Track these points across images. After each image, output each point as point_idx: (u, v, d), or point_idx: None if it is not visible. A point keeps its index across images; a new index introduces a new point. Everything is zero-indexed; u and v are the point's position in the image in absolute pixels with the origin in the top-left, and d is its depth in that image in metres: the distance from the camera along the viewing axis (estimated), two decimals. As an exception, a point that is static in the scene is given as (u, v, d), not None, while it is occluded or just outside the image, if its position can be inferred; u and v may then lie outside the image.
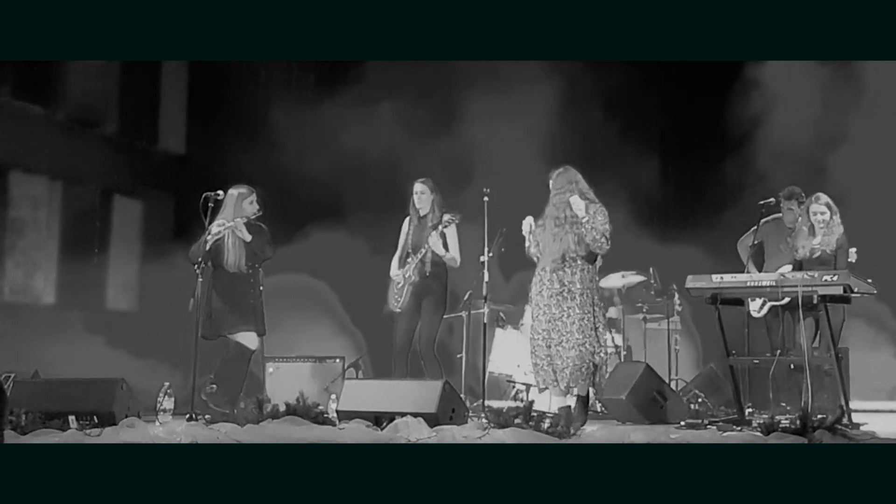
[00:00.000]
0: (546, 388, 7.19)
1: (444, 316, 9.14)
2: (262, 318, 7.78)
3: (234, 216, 7.63)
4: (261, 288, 7.79)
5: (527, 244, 7.28)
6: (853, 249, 7.54)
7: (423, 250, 7.95)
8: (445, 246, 7.95)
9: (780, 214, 8.21)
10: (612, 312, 9.69)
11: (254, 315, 7.70)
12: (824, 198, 7.51)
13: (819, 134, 10.29)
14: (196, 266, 7.34)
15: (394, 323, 8.19)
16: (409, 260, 8.02)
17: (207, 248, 7.50)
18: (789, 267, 7.66)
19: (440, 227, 7.93)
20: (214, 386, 7.23)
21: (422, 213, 8.10)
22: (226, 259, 7.60)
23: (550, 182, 7.33)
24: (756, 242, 8.08)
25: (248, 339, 7.73)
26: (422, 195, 8.08)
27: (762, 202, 8.13)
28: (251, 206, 7.71)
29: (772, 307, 7.90)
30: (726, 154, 11.12)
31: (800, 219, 7.81)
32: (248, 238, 7.61)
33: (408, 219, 8.20)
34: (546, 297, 7.09)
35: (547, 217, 7.23)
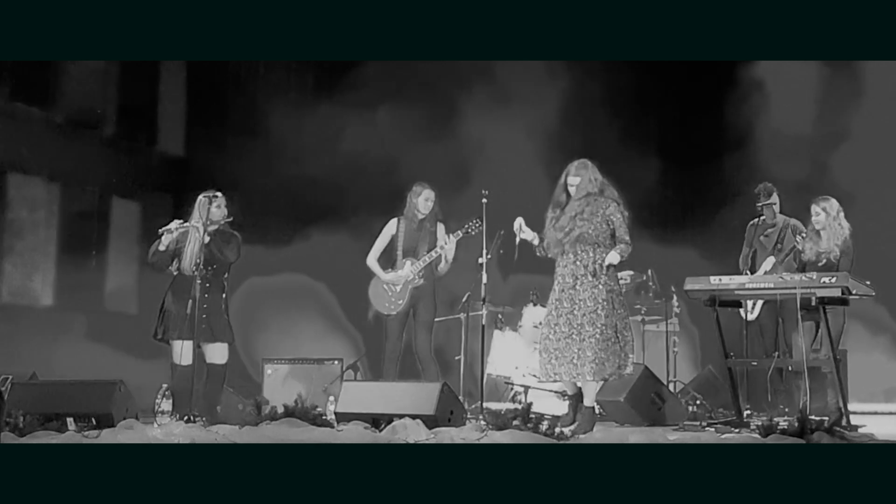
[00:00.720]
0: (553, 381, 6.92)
1: (444, 318, 9.20)
2: (221, 326, 7.46)
3: (199, 220, 7.43)
4: (223, 295, 7.54)
5: (533, 240, 6.95)
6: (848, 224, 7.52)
7: (435, 254, 8.02)
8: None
9: (763, 217, 8.26)
10: None
11: (204, 323, 7.35)
12: (823, 202, 7.49)
13: (819, 135, 10.28)
14: (195, 269, 7.29)
15: (384, 326, 8.21)
16: (409, 263, 8.04)
17: (163, 248, 7.36)
18: (772, 259, 7.69)
19: (460, 233, 8.01)
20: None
21: (420, 216, 8.13)
22: (183, 260, 7.40)
23: (570, 171, 7.02)
24: (751, 253, 8.13)
25: (218, 353, 7.49)
26: (429, 202, 8.11)
27: (760, 205, 8.16)
28: (219, 211, 7.51)
29: (764, 310, 7.92)
30: (726, 155, 11.09)
31: (791, 221, 7.85)
32: (206, 240, 7.35)
33: (397, 220, 8.20)
34: (563, 286, 6.77)
35: (564, 211, 6.88)
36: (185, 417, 6.80)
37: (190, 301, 7.12)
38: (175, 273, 7.46)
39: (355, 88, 11.05)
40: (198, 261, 7.30)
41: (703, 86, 11.21)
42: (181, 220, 7.41)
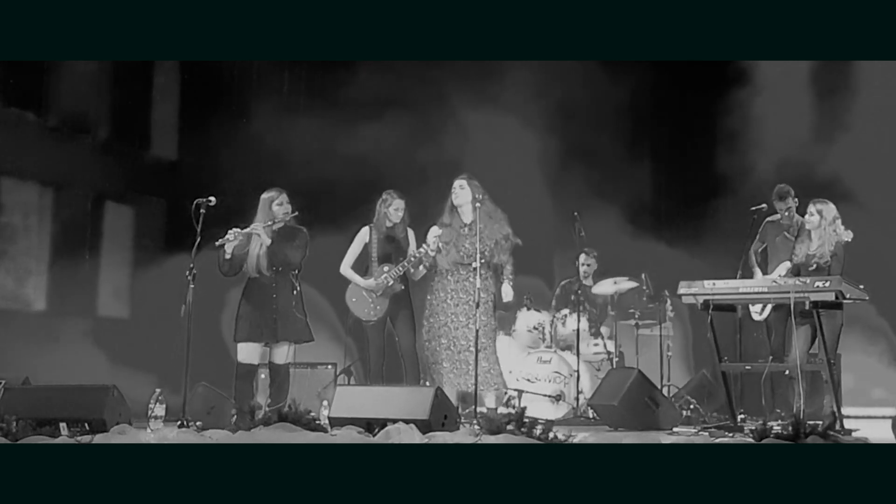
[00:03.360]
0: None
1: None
2: (291, 325, 7.61)
3: (263, 221, 7.61)
4: (295, 291, 7.65)
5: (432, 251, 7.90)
6: (849, 231, 7.51)
7: (414, 258, 8.03)
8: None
9: (778, 216, 8.25)
10: (604, 331, 9.71)
11: (274, 324, 7.56)
12: (820, 204, 7.48)
13: (815, 135, 10.29)
14: (258, 273, 7.40)
15: (364, 332, 8.26)
16: (387, 269, 8.06)
17: (228, 256, 7.51)
18: (787, 264, 7.69)
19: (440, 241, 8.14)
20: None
21: (390, 224, 8.19)
22: (247, 264, 7.60)
23: (463, 188, 8.09)
24: (762, 248, 8.13)
25: (279, 353, 7.67)
26: (398, 211, 8.18)
27: (754, 208, 8.16)
28: (280, 209, 7.64)
29: (773, 310, 7.92)
30: (721, 158, 11.08)
31: (800, 221, 7.83)
32: (268, 242, 7.54)
33: (368, 228, 8.25)
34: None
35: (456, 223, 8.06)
36: (179, 423, 6.79)
37: (183, 306, 7.14)
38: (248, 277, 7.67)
39: (351, 90, 11.04)
40: (261, 264, 7.53)
41: (699, 86, 11.21)
42: (239, 228, 7.52)
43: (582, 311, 9.23)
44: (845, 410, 7.09)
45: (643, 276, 9.61)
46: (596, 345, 9.53)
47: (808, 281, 6.75)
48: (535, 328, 9.50)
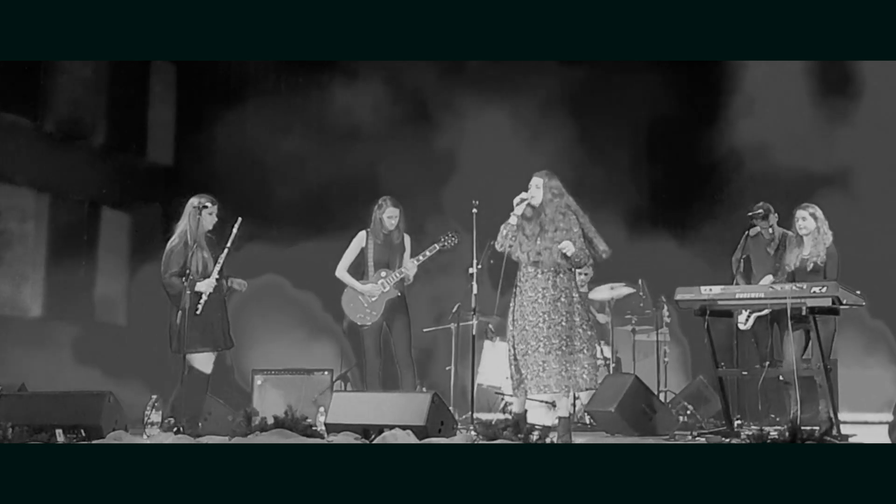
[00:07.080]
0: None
1: (434, 328, 9.19)
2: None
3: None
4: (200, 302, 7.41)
5: (505, 238, 7.00)
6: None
7: (413, 264, 8.10)
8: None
9: (758, 229, 8.27)
10: (601, 318, 9.70)
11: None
12: (811, 207, 7.53)
13: (815, 138, 10.29)
14: (184, 279, 7.30)
15: (360, 337, 8.26)
16: (384, 275, 8.07)
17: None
18: (770, 277, 7.69)
19: (437, 247, 8.19)
20: (171, 419, 6.86)
21: (385, 231, 8.19)
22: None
23: (541, 182, 7.04)
24: (743, 257, 8.12)
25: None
26: (392, 219, 8.17)
27: (751, 212, 8.16)
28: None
29: (758, 319, 7.92)
30: (721, 160, 11.06)
31: (787, 233, 7.85)
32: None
33: (365, 233, 8.23)
34: (535, 299, 6.92)
35: (536, 219, 6.99)
36: (175, 428, 6.78)
37: (178, 312, 7.22)
38: None
39: (349, 93, 11.04)
40: None
41: (698, 87, 11.20)
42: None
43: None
44: (841, 416, 7.08)
45: (640, 281, 9.61)
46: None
47: (804, 286, 6.75)
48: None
